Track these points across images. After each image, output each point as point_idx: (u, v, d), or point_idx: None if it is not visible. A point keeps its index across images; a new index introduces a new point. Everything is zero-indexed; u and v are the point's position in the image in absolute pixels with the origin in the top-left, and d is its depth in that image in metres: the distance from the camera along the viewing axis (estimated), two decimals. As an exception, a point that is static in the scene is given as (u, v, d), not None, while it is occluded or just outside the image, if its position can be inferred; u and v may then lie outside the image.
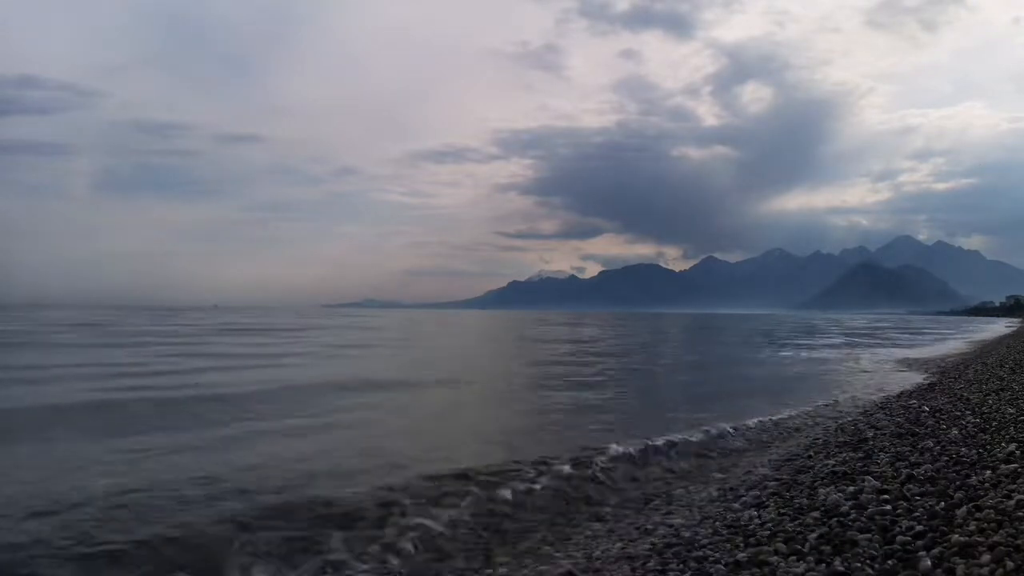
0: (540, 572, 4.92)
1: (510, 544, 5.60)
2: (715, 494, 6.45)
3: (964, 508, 4.32)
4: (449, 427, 11.16)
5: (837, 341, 41.51)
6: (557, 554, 5.25)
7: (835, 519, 4.69)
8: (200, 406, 11.74)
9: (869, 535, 4.25)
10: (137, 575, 4.79)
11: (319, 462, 7.74)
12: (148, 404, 11.85)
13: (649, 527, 5.62)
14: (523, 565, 5.09)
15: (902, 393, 13.12)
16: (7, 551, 5.00)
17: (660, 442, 8.75)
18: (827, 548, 4.19)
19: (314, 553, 5.18)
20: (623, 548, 5.08)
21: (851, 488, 5.44)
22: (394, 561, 5.17)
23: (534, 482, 7.02)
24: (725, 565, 4.30)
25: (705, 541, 4.87)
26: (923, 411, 9.56)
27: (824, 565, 3.94)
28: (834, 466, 6.60)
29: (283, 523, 5.64)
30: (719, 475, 7.34)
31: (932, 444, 6.87)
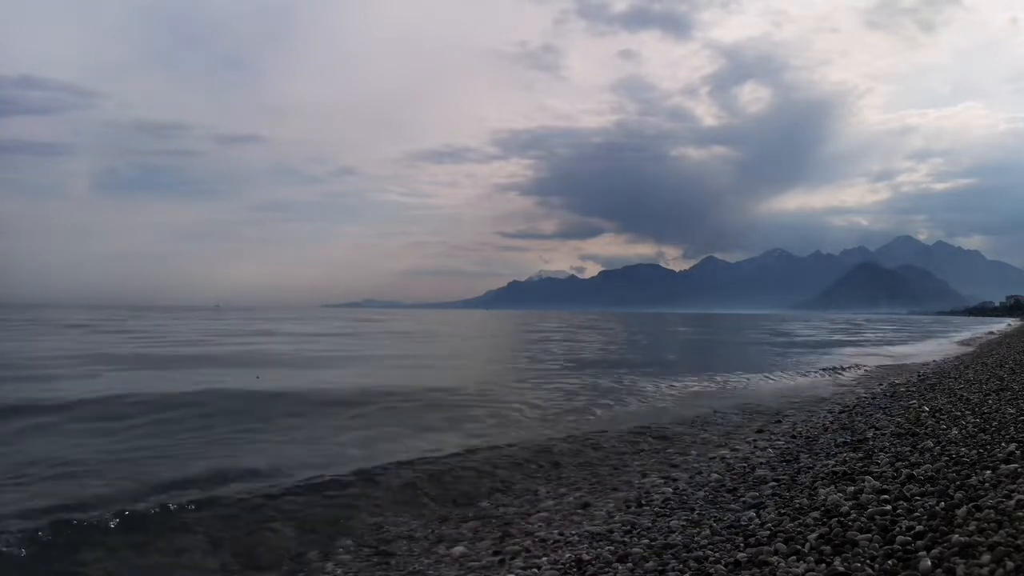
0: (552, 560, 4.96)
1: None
2: (713, 495, 6.42)
3: (964, 508, 4.30)
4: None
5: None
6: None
7: (835, 519, 4.68)
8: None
9: (869, 535, 4.23)
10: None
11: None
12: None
13: (646, 526, 5.61)
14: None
15: (902, 393, 13.10)
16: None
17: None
18: (827, 548, 4.17)
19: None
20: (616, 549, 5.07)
21: (851, 488, 5.43)
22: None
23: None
24: (725, 565, 4.29)
25: (704, 542, 4.86)
26: (923, 411, 9.55)
27: (824, 565, 3.92)
28: (834, 466, 6.59)
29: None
30: (717, 476, 7.31)
31: (932, 444, 6.86)
